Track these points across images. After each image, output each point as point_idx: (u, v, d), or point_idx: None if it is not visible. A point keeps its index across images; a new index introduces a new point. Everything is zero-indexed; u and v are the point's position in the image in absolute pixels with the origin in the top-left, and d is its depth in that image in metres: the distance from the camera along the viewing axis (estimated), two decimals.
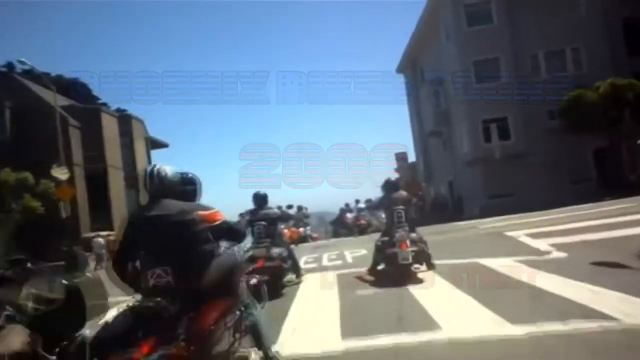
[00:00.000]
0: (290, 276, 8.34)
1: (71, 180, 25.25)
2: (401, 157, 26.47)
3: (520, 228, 12.03)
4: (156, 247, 3.15)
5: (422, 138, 36.07)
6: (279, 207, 10.90)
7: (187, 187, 3.62)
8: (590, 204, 16.10)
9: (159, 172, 3.37)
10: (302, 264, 10.62)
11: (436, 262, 8.00)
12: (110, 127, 29.62)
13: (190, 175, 3.76)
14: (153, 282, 3.03)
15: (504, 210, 21.01)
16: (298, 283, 8.21)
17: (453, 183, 30.35)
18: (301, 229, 21.45)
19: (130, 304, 2.90)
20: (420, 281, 7.39)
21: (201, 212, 3.24)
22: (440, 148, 32.26)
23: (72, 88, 38.01)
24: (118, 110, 40.39)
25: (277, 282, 7.28)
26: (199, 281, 3.02)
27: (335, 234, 22.95)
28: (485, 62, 25.52)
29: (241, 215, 9.65)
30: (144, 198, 3.58)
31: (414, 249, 7.48)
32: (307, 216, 22.89)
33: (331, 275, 8.64)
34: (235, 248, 3.52)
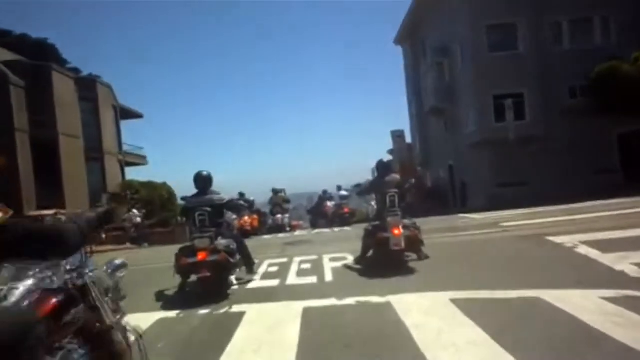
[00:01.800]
0: (239, 274, 7.11)
1: (9, 147, 21.54)
2: (398, 136, 23.03)
3: (564, 230, 8.76)
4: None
5: (420, 117, 32.60)
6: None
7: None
8: (624, 199, 13.00)
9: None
10: (258, 276, 7.35)
11: (458, 293, 5.07)
12: (64, 89, 25.69)
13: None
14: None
15: (515, 201, 18.06)
16: (249, 282, 7.09)
17: (454, 168, 27.01)
18: (278, 216, 18.23)
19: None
20: (436, 332, 4.01)
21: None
22: (441, 128, 28.85)
23: (39, 49, 33.93)
24: (90, 75, 36.51)
25: (221, 279, 6.47)
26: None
27: (313, 225, 19.63)
28: (500, 28, 21.96)
29: (183, 199, 7.83)
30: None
31: (407, 234, 7.01)
32: (286, 201, 19.55)
33: (294, 311, 5.20)
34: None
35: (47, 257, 2.20)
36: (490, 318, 4.33)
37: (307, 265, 7.91)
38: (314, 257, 8.75)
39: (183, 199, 7.80)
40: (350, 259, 8.06)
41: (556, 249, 7.41)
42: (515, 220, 11.93)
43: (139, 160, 41.26)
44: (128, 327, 2.77)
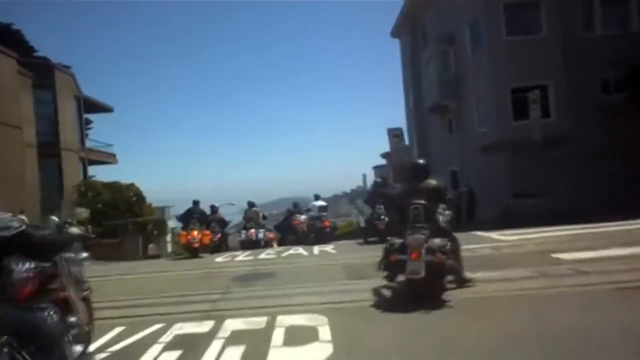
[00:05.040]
0: None
1: None
2: (395, 135, 19.38)
3: None
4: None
5: (418, 116, 28.98)
6: None
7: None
8: None
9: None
10: None
11: None
12: (1, 70, 21.65)
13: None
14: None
15: (537, 215, 14.67)
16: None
17: (459, 174, 23.34)
18: (252, 230, 15.07)
19: None
20: None
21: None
22: (443, 128, 25.22)
23: (3, 34, 29.81)
24: (45, 59, 32.41)
25: (434, 282, 5.47)
26: None
27: (282, 242, 16.18)
28: (521, 7, 18.41)
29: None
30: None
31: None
32: (263, 217, 16.97)
33: None
34: None
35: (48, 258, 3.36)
36: None
37: (235, 352, 4.05)
38: (261, 322, 4.92)
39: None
40: (323, 334, 4.29)
41: None
42: (571, 248, 8.21)
43: (107, 158, 37.05)
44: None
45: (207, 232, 12.57)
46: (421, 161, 6.87)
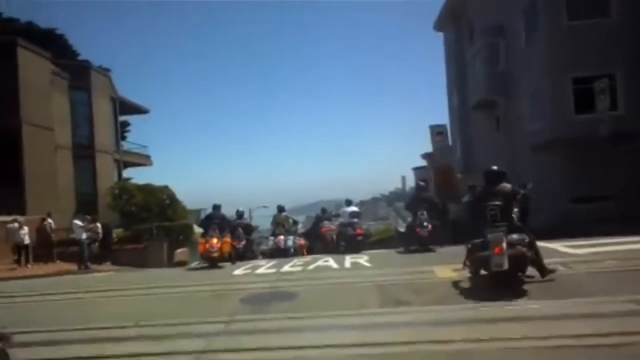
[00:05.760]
0: None
1: None
2: (439, 132, 17.71)
3: None
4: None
5: (462, 113, 27.04)
6: None
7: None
8: None
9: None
10: None
11: None
12: (34, 71, 21.39)
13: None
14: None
15: (601, 221, 12.97)
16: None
17: (508, 176, 21.26)
18: (280, 237, 14.03)
19: None
20: None
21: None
22: (490, 126, 23.23)
23: (46, 39, 30.04)
24: (82, 61, 32.44)
25: (515, 274, 6.32)
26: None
27: (310, 250, 14.71)
28: None
29: None
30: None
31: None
32: (294, 222, 15.80)
33: None
34: None
35: None
36: None
37: None
38: None
39: None
40: None
41: None
42: None
43: (142, 160, 36.92)
44: None
45: (228, 239, 11.36)
46: (495, 168, 7.34)
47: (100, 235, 15.85)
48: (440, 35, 31.21)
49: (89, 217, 16.05)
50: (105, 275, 12.76)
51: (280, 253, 13.48)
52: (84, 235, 14.64)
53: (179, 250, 18.99)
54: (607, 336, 4.08)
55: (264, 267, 10.28)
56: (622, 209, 14.77)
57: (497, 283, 6.07)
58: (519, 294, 5.87)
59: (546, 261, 7.59)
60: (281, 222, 14.80)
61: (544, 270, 6.38)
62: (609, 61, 15.79)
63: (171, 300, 7.36)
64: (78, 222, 15.27)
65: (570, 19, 16.15)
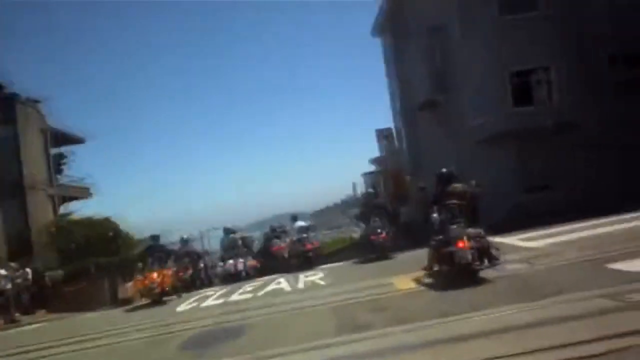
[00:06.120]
0: None
1: None
2: (385, 136, 17.47)
3: None
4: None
5: (407, 115, 27.04)
6: None
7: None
8: None
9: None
10: None
11: None
12: None
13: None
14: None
15: (552, 212, 13.32)
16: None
17: (456, 174, 21.29)
18: (230, 261, 13.32)
19: None
20: None
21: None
22: (436, 126, 23.30)
23: None
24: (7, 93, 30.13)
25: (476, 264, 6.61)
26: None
27: (261, 271, 13.76)
28: None
29: None
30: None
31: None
32: (246, 245, 14.67)
33: None
34: None
35: None
36: None
37: None
38: None
39: None
40: None
41: None
42: (626, 255, 6.21)
43: (79, 193, 34.72)
44: None
45: (169, 271, 10.38)
46: (445, 170, 7.75)
47: (30, 282, 14.37)
48: (378, 40, 31.37)
49: (12, 264, 14.51)
50: (33, 327, 11.41)
51: (232, 278, 12.70)
52: (9, 285, 13.14)
53: (124, 286, 17.57)
54: (591, 342, 3.61)
55: (212, 297, 9.43)
56: (570, 197, 15.01)
57: (461, 278, 6.34)
58: (486, 300, 5.41)
59: (505, 258, 7.33)
60: (230, 245, 13.99)
61: (491, 258, 6.75)
62: (543, 54, 16.11)
63: (98, 357, 6.33)
64: (2, 271, 13.72)
65: (502, 14, 16.38)
